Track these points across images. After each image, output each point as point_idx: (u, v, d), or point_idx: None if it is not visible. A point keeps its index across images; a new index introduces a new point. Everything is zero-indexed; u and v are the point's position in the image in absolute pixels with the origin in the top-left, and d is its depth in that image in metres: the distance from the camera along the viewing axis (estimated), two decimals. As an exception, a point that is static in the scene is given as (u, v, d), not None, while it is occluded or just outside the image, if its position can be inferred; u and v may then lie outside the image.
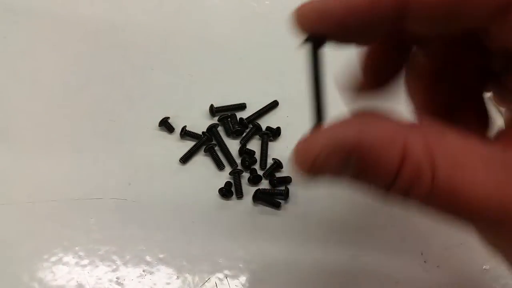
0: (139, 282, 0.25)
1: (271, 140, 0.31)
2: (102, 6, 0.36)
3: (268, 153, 0.30)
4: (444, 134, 0.15)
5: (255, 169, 0.29)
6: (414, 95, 0.19)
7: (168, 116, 0.30)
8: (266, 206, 0.28)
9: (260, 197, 0.28)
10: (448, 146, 0.15)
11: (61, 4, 0.36)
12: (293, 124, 0.32)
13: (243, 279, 0.26)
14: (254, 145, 0.31)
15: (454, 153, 0.15)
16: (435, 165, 0.14)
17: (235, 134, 0.31)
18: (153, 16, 0.36)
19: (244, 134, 0.31)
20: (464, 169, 0.15)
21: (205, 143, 0.30)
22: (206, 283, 0.25)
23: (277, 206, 0.28)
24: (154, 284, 0.25)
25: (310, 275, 0.26)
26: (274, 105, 0.32)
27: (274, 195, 0.28)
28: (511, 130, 0.16)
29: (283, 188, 0.29)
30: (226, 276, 0.26)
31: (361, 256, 0.27)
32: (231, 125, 0.31)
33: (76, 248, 0.26)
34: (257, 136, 0.31)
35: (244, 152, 0.30)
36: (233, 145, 0.30)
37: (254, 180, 0.29)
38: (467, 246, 0.28)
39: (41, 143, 0.29)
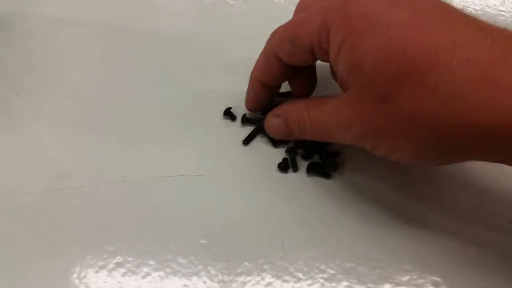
0: (220, 236, 0.31)
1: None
2: (165, 19, 0.43)
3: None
4: (315, 103, 0.31)
5: (306, 145, 0.34)
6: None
7: (230, 106, 0.36)
8: (318, 176, 0.33)
9: (313, 169, 0.33)
10: (315, 110, 0.30)
11: (127, 18, 0.42)
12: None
13: (301, 236, 0.31)
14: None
15: (318, 111, 0.30)
16: (310, 119, 0.30)
17: None
18: (209, 24, 0.42)
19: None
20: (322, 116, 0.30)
21: (263, 126, 0.35)
22: (271, 240, 0.31)
23: (327, 176, 0.33)
24: (229, 240, 0.31)
25: (355, 234, 0.31)
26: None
27: (324, 167, 0.34)
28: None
29: (332, 160, 0.34)
30: (288, 234, 0.31)
31: (400, 215, 0.32)
32: None
33: (165, 215, 0.32)
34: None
35: None
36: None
37: (307, 155, 0.34)
38: (494, 204, 0.32)
39: (127, 134, 0.35)
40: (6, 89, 0.38)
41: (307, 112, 0.30)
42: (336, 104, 0.28)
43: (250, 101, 0.35)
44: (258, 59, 0.33)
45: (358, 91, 0.26)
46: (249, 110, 0.36)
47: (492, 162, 0.26)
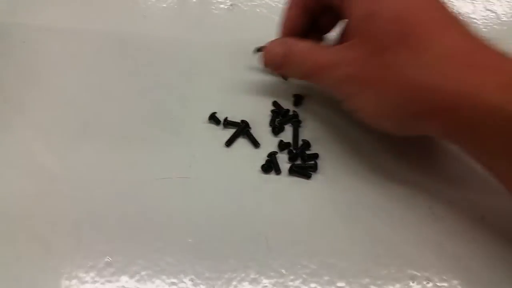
0: (206, 235, 0.32)
1: (300, 127, 0.37)
2: (152, 28, 0.44)
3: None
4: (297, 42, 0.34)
5: (291, 149, 0.36)
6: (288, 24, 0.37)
7: (215, 111, 0.37)
8: (300, 177, 0.35)
9: (294, 170, 0.35)
10: (316, 48, 0.34)
11: (116, 27, 0.44)
12: (314, 109, 0.38)
13: (284, 234, 0.32)
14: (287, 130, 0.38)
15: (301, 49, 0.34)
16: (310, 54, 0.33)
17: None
18: (195, 33, 0.43)
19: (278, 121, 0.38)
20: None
21: (244, 128, 0.37)
22: (256, 238, 0.32)
23: (308, 177, 0.35)
24: (214, 238, 0.32)
25: (335, 231, 0.33)
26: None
27: (305, 168, 0.35)
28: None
29: (312, 162, 0.35)
30: (271, 232, 0.32)
31: (377, 212, 0.33)
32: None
33: (152, 215, 0.33)
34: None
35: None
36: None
37: (292, 158, 0.35)
38: (468, 200, 0.34)
39: (116, 138, 0.36)
40: (-4, 97, 0.39)
41: (308, 48, 0.34)
42: (337, 47, 0.32)
43: (286, 26, 0.37)
44: None
45: (363, 40, 0.30)
46: (283, 35, 0.37)
47: (449, 140, 0.31)
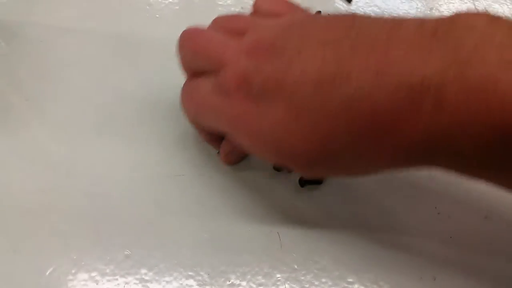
0: (221, 230, 0.33)
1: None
2: (164, 28, 0.45)
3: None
4: None
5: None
6: None
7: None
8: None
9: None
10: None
11: (129, 27, 0.45)
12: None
13: (296, 231, 0.34)
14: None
15: None
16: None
17: None
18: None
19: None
20: None
21: None
22: (269, 234, 0.33)
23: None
24: (229, 234, 0.33)
25: (345, 228, 0.34)
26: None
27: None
28: None
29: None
30: (284, 229, 0.33)
31: (385, 210, 0.35)
32: None
33: (169, 210, 0.34)
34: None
35: None
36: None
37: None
38: (472, 200, 0.35)
39: (132, 136, 0.38)
40: (16, 95, 0.40)
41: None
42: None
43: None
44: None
45: None
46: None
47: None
